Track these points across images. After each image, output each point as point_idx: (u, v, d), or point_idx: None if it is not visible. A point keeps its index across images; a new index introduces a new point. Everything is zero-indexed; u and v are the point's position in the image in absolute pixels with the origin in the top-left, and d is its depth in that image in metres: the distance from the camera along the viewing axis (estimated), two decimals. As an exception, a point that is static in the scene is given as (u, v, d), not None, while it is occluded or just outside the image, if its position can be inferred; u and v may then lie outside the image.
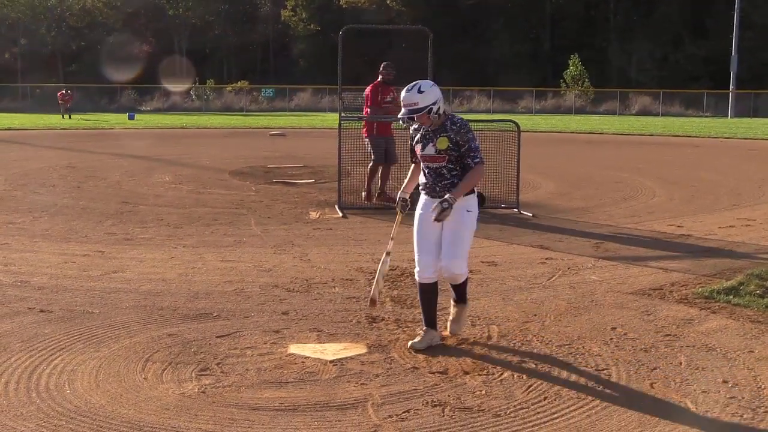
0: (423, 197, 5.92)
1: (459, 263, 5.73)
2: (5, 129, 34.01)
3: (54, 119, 42.37)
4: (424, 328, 5.93)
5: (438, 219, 5.58)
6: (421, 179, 5.92)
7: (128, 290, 7.33)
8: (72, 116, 44.97)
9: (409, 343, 5.85)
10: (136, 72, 64.37)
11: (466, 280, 5.98)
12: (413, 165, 6.09)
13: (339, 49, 12.15)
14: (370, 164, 12.75)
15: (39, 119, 42.59)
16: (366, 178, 12.84)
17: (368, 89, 12.83)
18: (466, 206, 5.72)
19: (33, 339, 5.89)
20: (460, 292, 6.02)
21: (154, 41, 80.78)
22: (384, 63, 12.89)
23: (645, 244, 9.92)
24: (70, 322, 6.33)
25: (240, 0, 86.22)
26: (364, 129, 12.73)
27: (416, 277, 5.92)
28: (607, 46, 72.28)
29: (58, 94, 47.63)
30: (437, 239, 5.78)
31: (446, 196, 5.57)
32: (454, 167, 5.70)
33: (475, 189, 5.80)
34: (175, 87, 64.86)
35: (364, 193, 12.83)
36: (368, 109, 12.74)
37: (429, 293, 5.88)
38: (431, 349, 5.73)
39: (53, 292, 7.24)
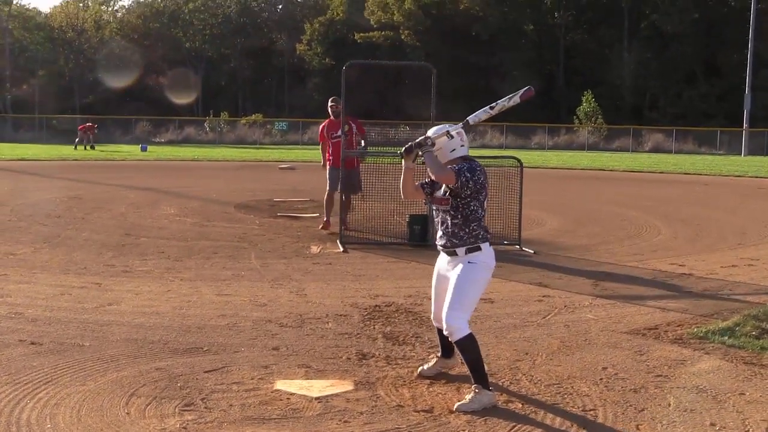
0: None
1: (451, 314, 5.49)
2: (18, 159, 34.27)
3: (66, 150, 42.61)
4: (438, 354, 6.07)
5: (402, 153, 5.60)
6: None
7: (121, 323, 7.32)
8: (86, 147, 44.22)
9: (419, 369, 6.03)
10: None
11: (465, 346, 5.49)
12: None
13: (342, 84, 12.25)
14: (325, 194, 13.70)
15: (53, 150, 42.89)
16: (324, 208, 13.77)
17: (322, 126, 13.99)
18: (469, 258, 5.61)
19: (20, 372, 5.88)
20: (463, 361, 5.59)
21: (170, 74, 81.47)
22: (331, 98, 13.72)
23: (644, 282, 9.85)
24: (59, 354, 6.32)
25: (256, 34, 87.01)
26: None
27: None
28: (621, 83, 72.36)
29: (80, 127, 45.88)
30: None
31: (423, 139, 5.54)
32: (456, 215, 5.61)
33: (482, 246, 5.63)
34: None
35: (321, 225, 13.73)
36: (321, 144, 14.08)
37: (440, 334, 5.89)
38: (418, 387, 5.70)
39: (46, 324, 7.25)
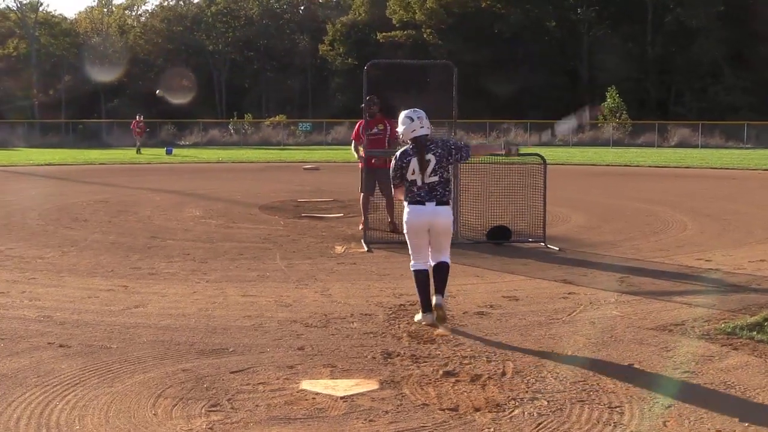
0: None
1: None
2: (45, 164, 34.55)
3: (93, 154, 42.88)
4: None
5: None
6: None
7: (147, 325, 7.38)
8: (142, 151, 44.00)
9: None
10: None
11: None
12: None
13: (364, 83, 12.26)
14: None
15: (79, 154, 43.18)
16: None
17: (357, 125, 13.60)
18: None
19: (49, 374, 5.94)
20: None
21: (194, 77, 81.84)
22: (368, 97, 13.20)
23: (670, 278, 9.80)
24: (87, 357, 6.38)
25: (278, 35, 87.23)
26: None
27: None
28: (645, 79, 71.91)
29: (132, 123, 45.66)
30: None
31: None
32: None
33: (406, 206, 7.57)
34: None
35: (360, 226, 13.41)
36: (356, 154, 13.70)
37: None
38: (443, 386, 5.69)
39: (74, 326, 7.31)
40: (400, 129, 7.56)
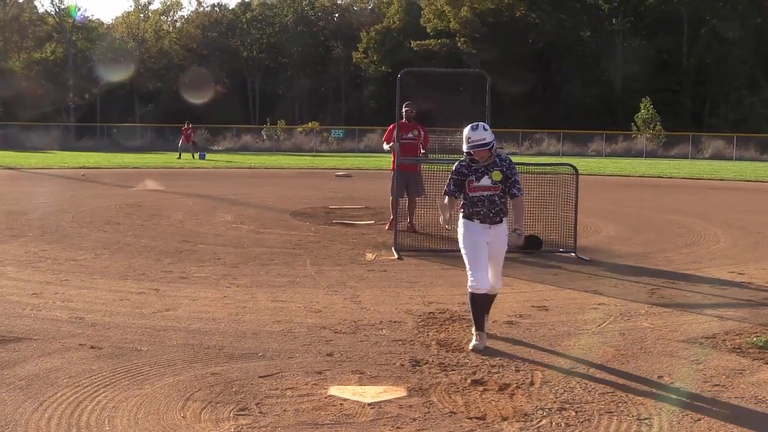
0: (474, 223, 7.02)
1: (501, 280, 7.25)
2: (80, 167, 34.84)
3: (127, 158, 43.24)
4: (477, 332, 6.98)
5: (516, 244, 7.18)
6: (468, 208, 7.06)
7: (178, 328, 7.43)
8: (193, 156, 44.14)
9: (470, 345, 6.91)
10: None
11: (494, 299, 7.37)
12: (449, 198, 7.19)
13: (397, 91, 12.32)
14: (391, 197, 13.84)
15: (114, 158, 43.52)
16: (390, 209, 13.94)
17: (390, 126, 13.87)
18: (519, 231, 7.09)
19: (80, 375, 6.01)
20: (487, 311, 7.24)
21: (228, 82, 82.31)
22: (406, 102, 13.73)
23: (702, 291, 9.72)
24: (118, 358, 6.44)
25: (313, 42, 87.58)
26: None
27: (470, 289, 6.93)
28: (680, 90, 71.39)
29: (183, 129, 45.16)
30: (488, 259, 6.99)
31: (517, 227, 7.03)
32: (503, 195, 7.01)
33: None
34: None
35: (387, 225, 14.11)
36: (386, 145, 13.92)
37: (484, 301, 7.04)
38: (471, 394, 5.69)
39: (105, 328, 7.38)
40: (491, 139, 6.94)
